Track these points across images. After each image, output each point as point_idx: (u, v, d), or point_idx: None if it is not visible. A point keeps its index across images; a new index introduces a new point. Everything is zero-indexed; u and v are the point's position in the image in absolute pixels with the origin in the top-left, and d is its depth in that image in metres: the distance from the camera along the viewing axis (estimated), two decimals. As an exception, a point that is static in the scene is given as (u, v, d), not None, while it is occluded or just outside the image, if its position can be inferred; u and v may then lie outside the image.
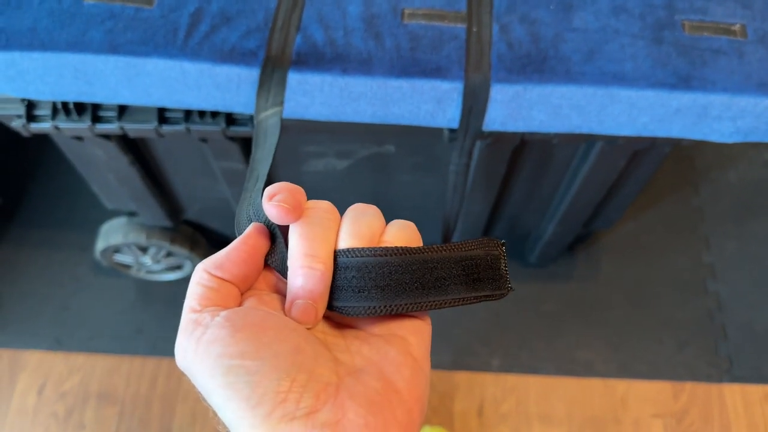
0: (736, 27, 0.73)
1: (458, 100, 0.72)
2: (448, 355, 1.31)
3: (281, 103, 0.72)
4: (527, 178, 1.04)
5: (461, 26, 0.73)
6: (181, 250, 1.25)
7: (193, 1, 0.74)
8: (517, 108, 0.73)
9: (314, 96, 0.73)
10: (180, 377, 1.31)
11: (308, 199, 0.35)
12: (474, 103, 0.72)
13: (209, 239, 1.32)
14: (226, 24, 0.72)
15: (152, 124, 0.84)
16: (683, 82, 0.70)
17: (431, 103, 0.73)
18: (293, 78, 0.71)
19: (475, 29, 0.72)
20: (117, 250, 1.27)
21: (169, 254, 1.28)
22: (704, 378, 1.28)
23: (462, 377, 1.29)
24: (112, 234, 1.23)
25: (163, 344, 1.33)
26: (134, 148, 0.97)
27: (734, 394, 1.27)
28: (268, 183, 0.39)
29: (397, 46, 0.71)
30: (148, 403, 1.28)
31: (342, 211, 0.36)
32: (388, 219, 0.37)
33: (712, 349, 1.31)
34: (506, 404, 1.27)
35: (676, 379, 1.28)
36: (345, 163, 1.02)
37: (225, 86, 0.73)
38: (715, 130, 0.74)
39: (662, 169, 1.51)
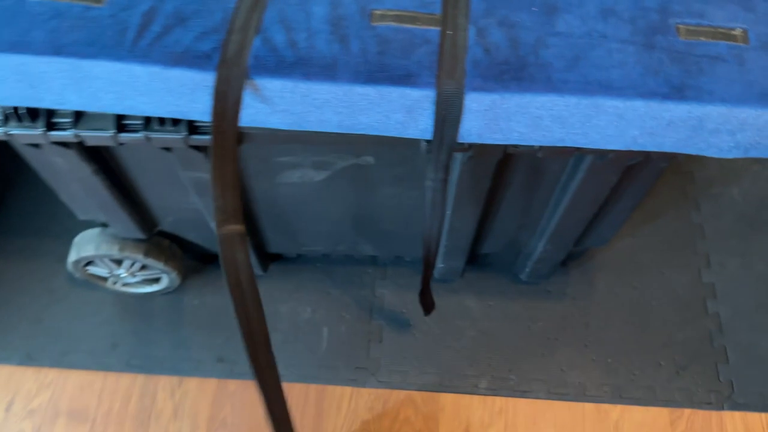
0: (737, 32, 0.67)
1: (430, 109, 0.66)
2: (434, 376, 1.24)
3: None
4: (514, 194, 0.98)
5: (435, 29, 0.67)
6: (155, 264, 1.19)
7: (144, 0, 0.68)
8: (495, 119, 0.67)
9: (275, 103, 0.67)
10: (154, 395, 1.25)
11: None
12: (447, 113, 0.66)
13: (187, 250, 1.27)
14: (181, 24, 0.67)
15: (109, 132, 0.79)
16: (676, 91, 0.64)
17: (401, 112, 0.67)
18: (255, 81, 0.66)
19: (449, 32, 0.66)
20: (90, 262, 1.22)
21: (144, 267, 1.23)
22: (703, 404, 1.21)
23: (448, 399, 1.23)
24: (84, 246, 1.18)
25: (139, 360, 1.28)
26: (97, 157, 0.92)
27: (735, 422, 1.20)
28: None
29: (363, 50, 0.65)
30: (121, 422, 1.23)
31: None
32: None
33: (713, 373, 1.25)
34: (493, 428, 1.20)
35: (673, 405, 1.22)
36: (322, 174, 0.97)
37: (178, 91, 0.67)
38: (712, 145, 0.68)
39: (661, 183, 1.45)
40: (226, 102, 0.67)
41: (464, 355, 1.27)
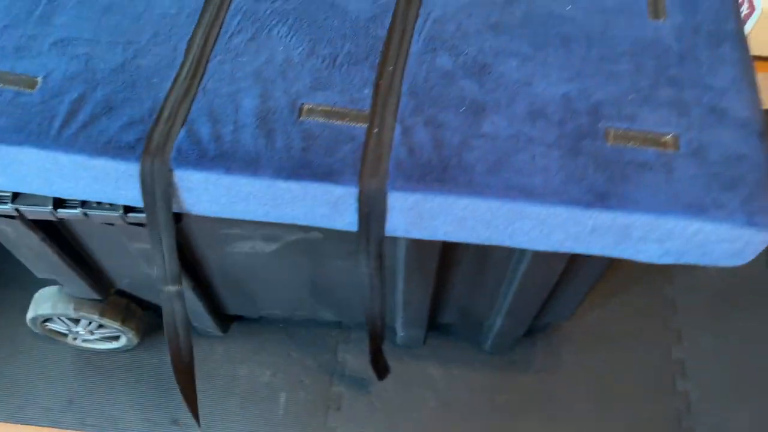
0: (668, 137, 0.66)
1: (354, 205, 0.66)
2: (391, 449, 1.22)
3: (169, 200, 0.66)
4: (465, 272, 0.97)
5: (362, 126, 0.67)
6: (111, 324, 1.19)
7: (78, 87, 0.69)
8: (419, 217, 0.66)
9: (200, 193, 0.67)
10: (106, 456, 1.23)
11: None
12: (371, 210, 0.66)
13: (148, 308, 1.26)
14: (108, 113, 0.67)
15: (47, 208, 0.78)
16: (600, 200, 0.62)
17: (326, 207, 0.67)
18: (177, 175, 0.66)
19: (376, 130, 0.66)
20: (49, 319, 1.21)
21: (101, 326, 1.22)
22: (667, 490, 1.18)
23: (404, 474, 1.20)
24: (41, 304, 1.17)
25: (93, 419, 1.26)
26: (46, 225, 0.92)
27: None
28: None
29: (288, 146, 0.65)
30: (70, 483, 1.20)
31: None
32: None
33: (678, 456, 1.21)
34: (449, 508, 1.17)
35: (636, 489, 1.18)
36: (272, 246, 0.96)
37: (104, 179, 0.67)
38: (641, 251, 0.67)
39: (635, 254, 1.43)
40: (154, 192, 0.67)
41: (425, 428, 1.24)
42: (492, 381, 1.29)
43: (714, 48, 0.71)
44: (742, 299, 1.38)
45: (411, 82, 0.70)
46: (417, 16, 0.75)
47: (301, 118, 0.67)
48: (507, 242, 0.68)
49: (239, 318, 1.33)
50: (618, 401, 1.27)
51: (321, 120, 0.67)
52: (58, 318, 1.20)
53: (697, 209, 0.62)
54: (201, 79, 0.70)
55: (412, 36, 0.73)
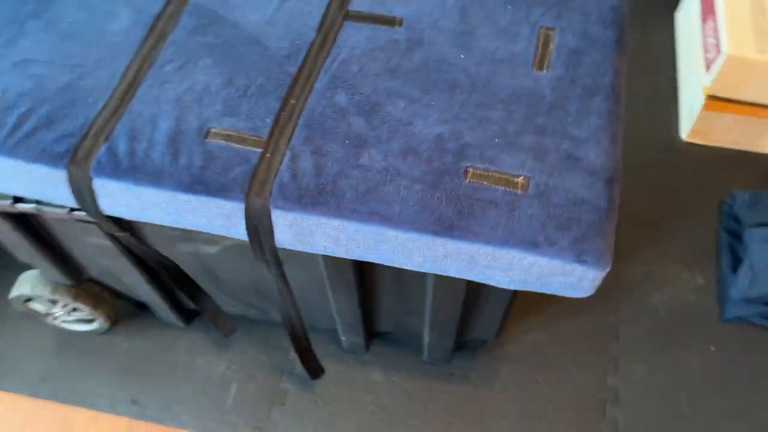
0: (520, 179, 0.74)
1: (243, 219, 0.76)
2: (325, 445, 1.31)
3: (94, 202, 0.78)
4: (389, 286, 1.06)
5: (258, 151, 0.77)
6: (84, 308, 1.32)
7: (28, 102, 0.81)
8: (300, 233, 0.76)
9: (117, 199, 0.79)
10: (72, 426, 1.36)
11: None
12: (258, 224, 0.76)
13: (121, 297, 1.39)
14: (47, 126, 0.79)
15: (8, 202, 0.91)
16: (447, 230, 0.71)
17: (221, 218, 0.77)
18: (95, 182, 0.77)
19: (268, 155, 0.76)
20: (30, 299, 1.35)
21: (75, 309, 1.35)
22: None
23: (335, 469, 1.29)
24: (23, 284, 1.31)
25: (65, 393, 1.39)
26: (17, 217, 1.05)
27: None
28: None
29: (189, 164, 0.76)
30: (39, 448, 1.34)
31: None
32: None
33: (595, 479, 1.27)
34: (371, 504, 1.25)
35: (548, 505, 1.24)
36: (214, 249, 1.07)
37: (40, 182, 0.79)
38: (490, 277, 0.75)
39: (582, 282, 1.49)
40: (83, 194, 0.78)
41: (360, 428, 1.33)
42: (428, 390, 1.37)
43: (585, 100, 0.79)
44: (681, 333, 1.42)
45: (308, 115, 0.80)
46: (327, 57, 0.85)
47: (206, 140, 0.78)
48: (379, 260, 0.77)
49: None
50: (547, 421, 1.33)
51: (223, 143, 0.78)
52: (38, 299, 1.33)
53: (530, 245, 0.70)
54: (129, 101, 0.81)
55: (318, 74, 0.83)
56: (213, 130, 0.79)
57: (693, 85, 1.66)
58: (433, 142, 0.77)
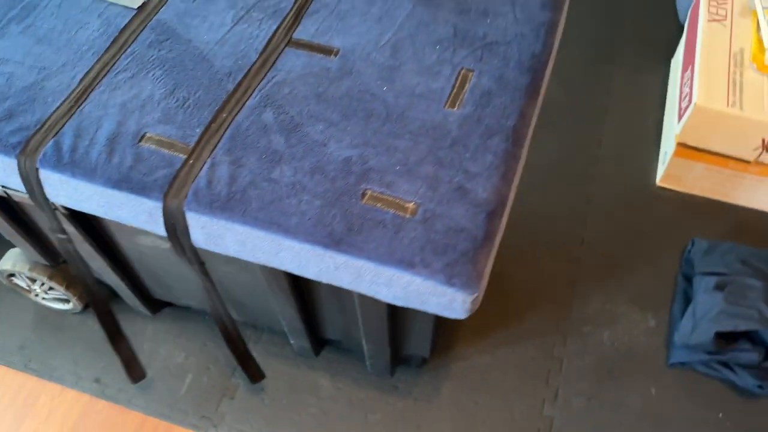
0: (410, 205, 0.81)
1: (162, 218, 0.84)
2: (262, 439, 1.38)
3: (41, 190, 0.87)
4: (325, 295, 1.13)
5: (183, 157, 0.86)
6: (58, 287, 1.42)
7: (-8, 98, 0.91)
8: (211, 235, 0.84)
9: (60, 189, 0.88)
10: (38, 397, 1.46)
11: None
12: (175, 224, 0.84)
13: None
14: (7, 120, 0.89)
15: (-12, 184, 1.02)
16: (335, 244, 0.78)
17: (145, 215, 0.86)
18: (41, 173, 0.87)
19: (191, 162, 0.85)
20: (13, 275, 1.46)
21: (51, 288, 1.46)
22: None
23: (269, 464, 1.35)
24: (6, 260, 1.42)
25: (36, 365, 1.50)
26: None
27: None
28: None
29: (120, 163, 0.85)
30: (3, 413, 1.44)
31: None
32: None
33: (514, 502, 1.31)
34: (299, 501, 1.31)
35: None
36: (168, 244, 1.16)
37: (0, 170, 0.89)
38: (377, 292, 0.82)
39: (535, 310, 1.54)
40: (31, 183, 0.88)
41: (300, 429, 1.39)
42: (371, 399, 1.43)
43: (485, 138, 0.86)
44: (625, 372, 1.45)
45: (235, 129, 0.88)
46: (263, 78, 0.93)
47: (140, 144, 0.87)
48: (282, 267, 0.85)
49: (171, 304, 1.54)
50: (480, 442, 1.38)
51: (154, 147, 0.86)
52: (19, 275, 1.44)
53: (407, 264, 0.77)
54: (82, 103, 0.91)
55: (252, 93, 0.92)
56: (148, 134, 0.88)
57: (669, 131, 1.70)
58: (341, 163, 0.84)
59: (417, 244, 0.78)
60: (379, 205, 0.81)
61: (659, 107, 1.88)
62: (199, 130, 0.88)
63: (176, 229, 0.85)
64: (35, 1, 1.03)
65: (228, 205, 0.82)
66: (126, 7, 1.01)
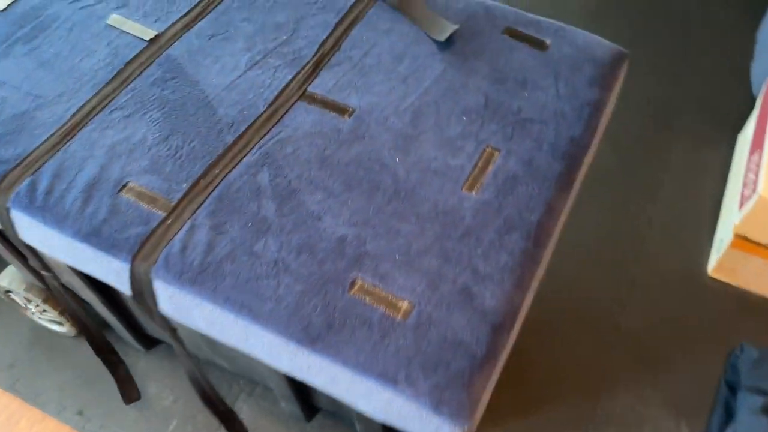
0: (404, 304, 0.69)
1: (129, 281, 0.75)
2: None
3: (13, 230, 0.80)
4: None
5: (162, 214, 0.77)
6: (52, 311, 1.36)
7: (-22, 128, 0.85)
8: (179, 307, 0.75)
9: (30, 233, 0.80)
10: (19, 421, 1.40)
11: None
12: (142, 288, 0.75)
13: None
14: (-13, 151, 0.82)
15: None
16: (311, 341, 0.68)
17: (113, 274, 0.77)
18: (13, 213, 0.79)
19: (169, 222, 0.76)
20: (11, 291, 1.41)
21: (45, 310, 1.40)
22: None
23: None
24: (5, 277, 1.37)
25: (22, 386, 1.43)
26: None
27: None
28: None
29: (93, 214, 0.77)
30: (-14, 434, 1.38)
31: None
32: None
33: None
34: None
35: None
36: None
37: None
38: (355, 402, 0.70)
39: (555, 401, 1.39)
40: (3, 221, 0.81)
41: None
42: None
43: (502, 233, 0.74)
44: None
45: (224, 188, 0.79)
46: (267, 133, 0.84)
47: (119, 194, 0.78)
48: (254, 355, 0.74)
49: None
50: None
51: (133, 199, 0.78)
52: (16, 293, 1.39)
53: (389, 379, 0.65)
54: (69, 141, 0.83)
55: (252, 148, 0.82)
56: (130, 184, 0.79)
57: (728, 217, 1.53)
58: (334, 242, 0.74)
59: (404, 355, 0.66)
60: (368, 299, 0.70)
61: (719, 185, 1.71)
62: (185, 186, 0.79)
63: (143, 295, 0.76)
64: (47, 22, 0.97)
65: (199, 278, 0.72)
66: (137, 38, 0.94)
